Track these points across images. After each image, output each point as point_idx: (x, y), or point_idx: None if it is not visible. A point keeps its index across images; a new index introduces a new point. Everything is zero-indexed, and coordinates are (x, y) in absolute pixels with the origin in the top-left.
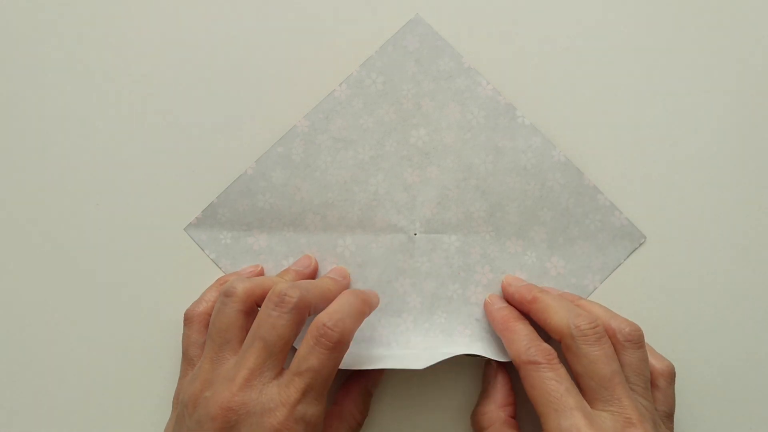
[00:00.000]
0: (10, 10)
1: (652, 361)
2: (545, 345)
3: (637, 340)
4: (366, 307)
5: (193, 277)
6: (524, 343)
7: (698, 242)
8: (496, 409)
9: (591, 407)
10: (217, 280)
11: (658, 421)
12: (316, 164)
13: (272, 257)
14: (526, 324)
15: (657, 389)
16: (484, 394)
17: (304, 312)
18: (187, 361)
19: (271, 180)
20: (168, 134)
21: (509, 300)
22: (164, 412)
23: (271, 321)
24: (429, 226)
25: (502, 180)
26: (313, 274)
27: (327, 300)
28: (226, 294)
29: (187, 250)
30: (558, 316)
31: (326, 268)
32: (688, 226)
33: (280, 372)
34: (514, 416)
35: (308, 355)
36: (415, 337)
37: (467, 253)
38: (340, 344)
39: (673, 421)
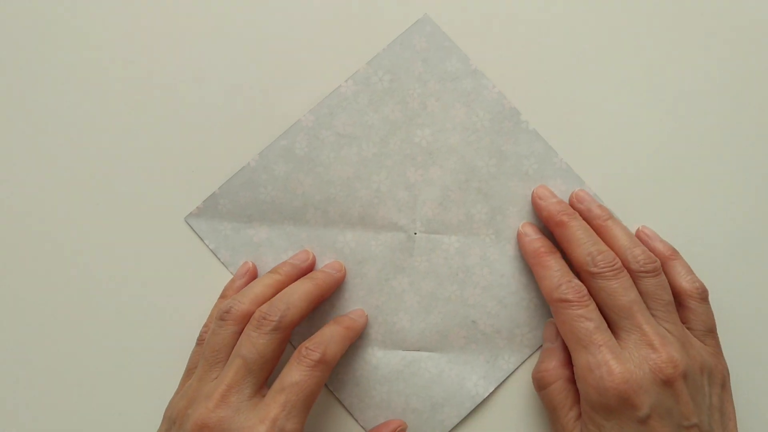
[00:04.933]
0: (9, 10)
1: (681, 282)
2: (576, 282)
3: (651, 270)
4: (350, 332)
5: (194, 271)
6: (555, 280)
7: (700, 245)
8: (560, 367)
9: (616, 338)
10: (221, 294)
11: (689, 340)
12: (319, 159)
13: (272, 250)
14: (557, 258)
15: (688, 310)
16: (546, 352)
17: (286, 330)
18: (188, 377)
19: (273, 173)
20: (170, 128)
21: (537, 210)
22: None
23: (251, 340)
24: (429, 226)
25: (504, 183)
26: (310, 268)
27: (312, 303)
28: (221, 317)
29: (187, 243)
30: (579, 250)
31: (325, 263)
32: (687, 231)
33: (260, 390)
34: None
35: (290, 372)
36: (410, 336)
37: (467, 255)
38: (321, 363)
39: (715, 336)
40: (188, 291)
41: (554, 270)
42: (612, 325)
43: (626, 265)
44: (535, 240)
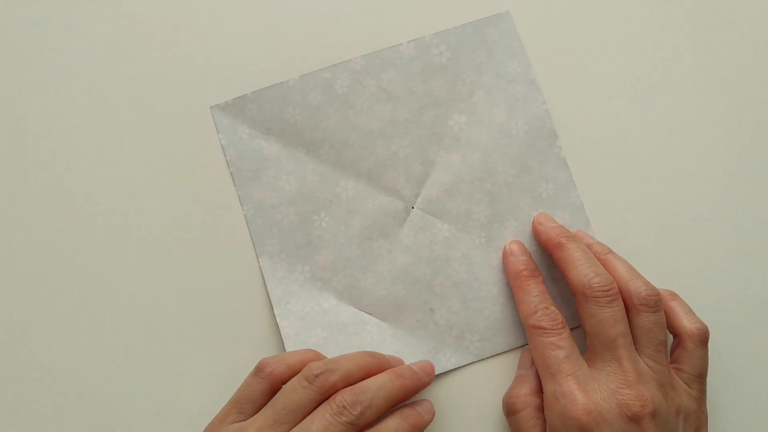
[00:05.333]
0: (10, 10)
1: (684, 321)
2: (552, 309)
3: (653, 304)
4: (414, 431)
5: (194, 273)
6: (533, 305)
7: (700, 248)
8: (530, 394)
9: (591, 365)
10: (306, 350)
11: (671, 382)
12: (353, 103)
13: (275, 168)
14: (538, 283)
15: (684, 350)
16: (519, 378)
17: (360, 428)
18: (236, 408)
19: (306, 98)
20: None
21: (536, 237)
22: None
23: (325, 423)
24: (428, 207)
25: (514, 196)
26: (428, 384)
27: (393, 405)
28: (308, 379)
29: (188, 248)
30: (576, 271)
31: (319, 200)
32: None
33: None
34: None
35: None
36: (368, 298)
37: (451, 247)
38: None
39: (703, 382)
40: (196, 301)
41: (533, 295)
42: (592, 353)
43: (625, 297)
44: (519, 262)
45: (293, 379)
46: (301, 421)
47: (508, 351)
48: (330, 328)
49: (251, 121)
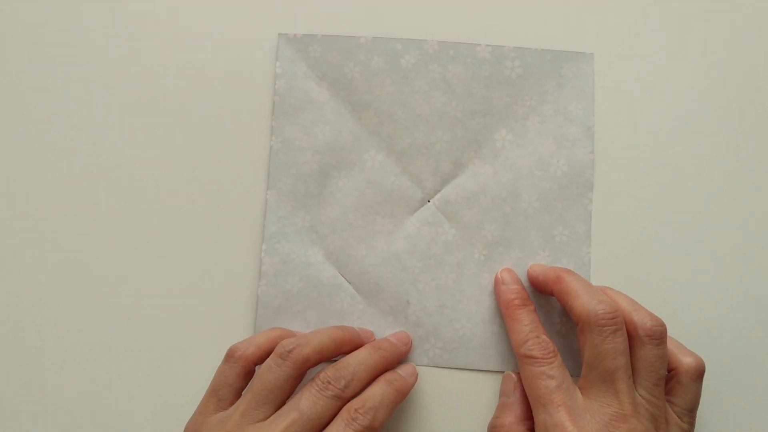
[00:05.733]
0: (10, 10)
1: (680, 356)
2: (543, 338)
3: (657, 337)
4: (400, 396)
5: (196, 274)
6: (524, 334)
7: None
8: (515, 422)
9: (585, 393)
10: (272, 329)
11: (664, 417)
12: (413, 81)
13: (316, 114)
14: (529, 312)
15: (679, 384)
16: (502, 406)
17: (345, 401)
18: (214, 397)
19: (370, 62)
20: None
21: (534, 284)
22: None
23: (313, 399)
24: (443, 206)
25: (528, 228)
26: (406, 353)
27: (374, 376)
28: (281, 356)
29: (188, 248)
30: (580, 300)
31: (345, 159)
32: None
33: None
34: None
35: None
36: (354, 267)
37: (450, 252)
38: (369, 429)
39: (693, 416)
40: (196, 303)
41: (524, 324)
42: (588, 381)
43: (631, 328)
44: (511, 290)
45: (267, 359)
46: (282, 398)
47: (471, 370)
48: (307, 281)
49: (311, 61)
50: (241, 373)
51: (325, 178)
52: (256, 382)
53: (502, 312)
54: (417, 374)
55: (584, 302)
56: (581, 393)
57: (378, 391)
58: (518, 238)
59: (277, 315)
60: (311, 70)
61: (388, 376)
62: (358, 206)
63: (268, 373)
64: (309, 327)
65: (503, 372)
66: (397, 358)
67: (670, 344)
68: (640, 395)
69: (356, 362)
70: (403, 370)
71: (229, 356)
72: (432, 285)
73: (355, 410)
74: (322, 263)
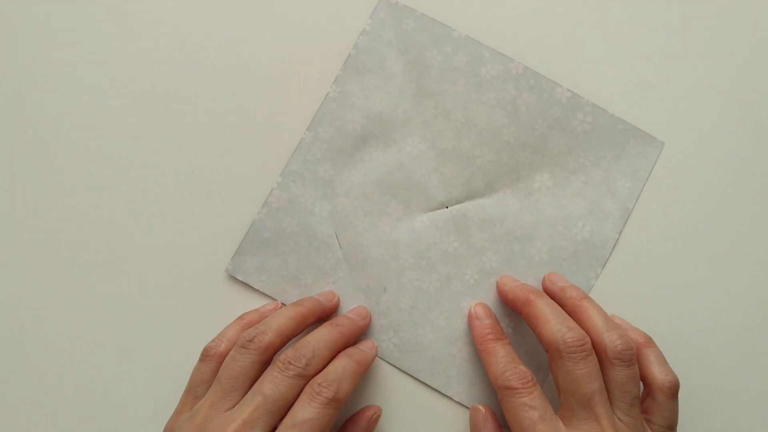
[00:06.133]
0: (10, 10)
1: (655, 372)
2: (521, 368)
3: (627, 359)
4: (361, 367)
5: (195, 274)
6: (501, 366)
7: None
8: None
9: (567, 424)
10: (239, 317)
11: None
12: (483, 92)
13: (381, 82)
14: (504, 344)
15: (654, 402)
16: None
17: (308, 379)
18: (191, 395)
19: (454, 56)
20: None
21: (503, 299)
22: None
23: (275, 380)
24: (457, 218)
25: (527, 275)
26: (333, 309)
27: (336, 351)
28: (243, 345)
29: (187, 247)
30: (548, 327)
31: (388, 135)
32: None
33: (271, 430)
34: None
35: (303, 408)
36: (351, 235)
37: (445, 262)
38: (334, 401)
39: None
40: (193, 299)
41: (500, 356)
42: (568, 410)
43: (599, 349)
44: (484, 325)
45: (231, 351)
46: (248, 386)
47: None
48: (304, 228)
49: (400, 32)
50: (215, 369)
51: (362, 143)
52: (221, 373)
53: (476, 347)
54: (377, 348)
55: (553, 329)
56: (563, 423)
57: (339, 365)
58: (507, 270)
59: (261, 246)
60: (396, 40)
61: (348, 350)
62: (380, 182)
63: (233, 363)
64: (286, 270)
65: (444, 393)
66: (356, 333)
67: (650, 357)
68: (618, 418)
69: (315, 340)
70: (363, 345)
71: (204, 355)
72: (414, 284)
73: (318, 384)
74: (325, 219)
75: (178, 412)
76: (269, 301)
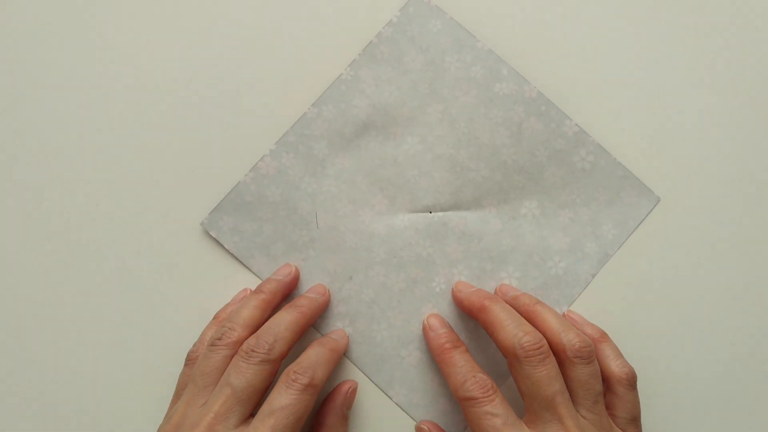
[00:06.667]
0: (10, 10)
1: (612, 366)
2: (480, 377)
3: (586, 356)
4: (334, 354)
5: (196, 274)
6: (460, 377)
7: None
8: None
9: (532, 427)
10: (214, 317)
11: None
12: (492, 107)
13: (395, 75)
14: (462, 352)
15: (615, 396)
16: None
17: (275, 362)
18: (177, 399)
19: (473, 66)
20: (172, 129)
21: (459, 306)
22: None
23: (240, 370)
24: (436, 226)
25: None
26: (294, 282)
27: (298, 332)
28: (212, 344)
29: (188, 246)
30: (504, 332)
31: (389, 129)
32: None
33: (246, 419)
34: None
35: (279, 395)
36: (330, 217)
37: (416, 265)
38: (310, 387)
39: (638, 424)
40: (193, 298)
41: (459, 366)
42: (530, 413)
43: (558, 350)
44: (440, 335)
45: (203, 351)
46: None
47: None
48: (286, 200)
49: (424, 31)
50: None
51: (363, 131)
52: (195, 372)
53: (435, 358)
54: (348, 338)
55: (509, 335)
56: (528, 428)
57: (312, 353)
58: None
59: (241, 208)
60: (420, 37)
61: (321, 340)
62: (371, 173)
63: (205, 360)
64: (259, 237)
65: (385, 392)
66: (316, 311)
67: (606, 351)
68: (583, 416)
69: (275, 324)
70: (333, 334)
71: (188, 360)
72: (380, 279)
73: (294, 372)
74: (308, 195)
75: (165, 422)
76: (235, 265)
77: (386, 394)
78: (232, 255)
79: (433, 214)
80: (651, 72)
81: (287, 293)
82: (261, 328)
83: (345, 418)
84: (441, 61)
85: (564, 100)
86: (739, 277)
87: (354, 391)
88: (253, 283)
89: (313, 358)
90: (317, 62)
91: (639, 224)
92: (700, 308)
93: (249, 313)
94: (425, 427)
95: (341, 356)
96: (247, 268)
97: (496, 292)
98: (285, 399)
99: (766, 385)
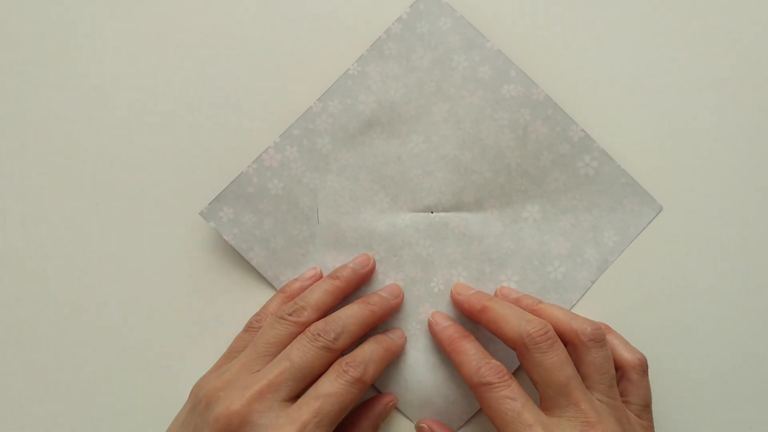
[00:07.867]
0: (10, 10)
1: (624, 353)
2: (494, 362)
3: (599, 339)
4: (389, 354)
5: (193, 274)
6: (474, 364)
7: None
8: None
9: (549, 414)
10: (280, 290)
11: (626, 416)
12: (497, 108)
13: (402, 73)
14: (472, 342)
15: (629, 382)
16: None
17: (336, 353)
18: (228, 358)
19: (481, 66)
20: (170, 129)
21: (458, 308)
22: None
23: (303, 348)
24: (436, 227)
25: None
26: (369, 274)
27: (365, 329)
28: (283, 317)
29: (186, 247)
30: (509, 325)
31: (394, 126)
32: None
33: (294, 397)
34: None
35: (329, 382)
36: (331, 214)
37: (414, 264)
38: (360, 382)
39: (650, 411)
40: (191, 300)
41: (471, 354)
42: (546, 401)
43: (570, 338)
44: (447, 327)
45: (269, 319)
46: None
47: None
48: (287, 194)
49: (435, 29)
50: None
51: (367, 127)
52: (258, 338)
53: (445, 352)
54: (405, 338)
55: (514, 326)
56: (545, 414)
57: (368, 348)
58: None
59: (241, 200)
60: (428, 35)
61: (377, 337)
62: (374, 170)
63: (271, 329)
64: (259, 230)
65: (376, 387)
66: (387, 312)
67: (614, 341)
68: (598, 399)
69: (346, 316)
70: (392, 333)
71: (249, 326)
72: (378, 277)
73: (347, 363)
74: (310, 190)
75: (211, 371)
76: (235, 265)
77: (418, 422)
78: (232, 255)
79: (434, 214)
80: (659, 80)
81: (360, 285)
82: (331, 315)
83: (377, 428)
84: (449, 59)
85: (570, 104)
86: (740, 290)
87: (393, 406)
88: (253, 284)
89: (368, 353)
90: (324, 56)
91: (640, 232)
92: (698, 318)
93: (322, 297)
94: (425, 426)
95: (395, 357)
96: (246, 261)
97: (496, 295)
98: (334, 387)
99: (765, 397)
